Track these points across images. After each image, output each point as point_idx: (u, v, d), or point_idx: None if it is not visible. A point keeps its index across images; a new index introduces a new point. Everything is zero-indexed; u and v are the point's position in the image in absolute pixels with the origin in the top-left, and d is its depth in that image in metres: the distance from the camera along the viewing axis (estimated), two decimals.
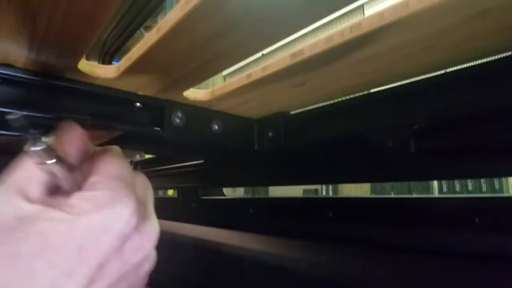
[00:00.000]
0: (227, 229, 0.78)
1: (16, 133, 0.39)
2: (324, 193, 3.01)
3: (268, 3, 0.25)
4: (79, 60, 0.33)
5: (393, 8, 0.26)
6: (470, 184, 2.05)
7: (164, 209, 1.14)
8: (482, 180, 2.02)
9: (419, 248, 0.42)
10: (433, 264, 0.41)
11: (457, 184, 2.09)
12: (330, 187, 3.00)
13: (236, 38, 0.29)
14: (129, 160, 1.09)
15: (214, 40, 0.29)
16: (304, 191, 2.78)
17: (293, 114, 0.51)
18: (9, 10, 0.25)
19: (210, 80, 0.54)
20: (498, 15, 0.26)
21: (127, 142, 0.50)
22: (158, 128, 0.43)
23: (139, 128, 0.42)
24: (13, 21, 0.26)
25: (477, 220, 0.42)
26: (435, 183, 2.13)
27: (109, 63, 1.59)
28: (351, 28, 0.27)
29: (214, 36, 0.28)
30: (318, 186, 3.01)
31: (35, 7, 0.24)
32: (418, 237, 0.45)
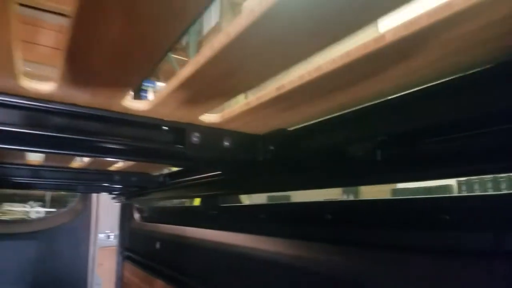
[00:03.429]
0: (242, 233, 0.89)
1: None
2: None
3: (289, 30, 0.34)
4: (123, 99, 0.46)
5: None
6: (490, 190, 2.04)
7: (189, 217, 1.27)
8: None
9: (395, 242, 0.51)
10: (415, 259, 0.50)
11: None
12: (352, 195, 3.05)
13: (244, 75, 0.40)
14: (159, 173, 1.22)
15: (227, 77, 0.40)
16: None
17: (290, 130, 0.61)
18: (86, 72, 0.38)
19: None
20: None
21: (157, 158, 0.62)
22: (181, 146, 0.55)
23: (166, 146, 0.55)
24: (83, 78, 0.39)
25: (447, 217, 0.51)
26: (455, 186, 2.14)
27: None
28: (309, 72, 0.38)
29: (226, 75, 0.40)
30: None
31: (96, 69, 0.37)
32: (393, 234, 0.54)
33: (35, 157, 0.99)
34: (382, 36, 0.34)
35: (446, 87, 0.42)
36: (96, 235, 1.91)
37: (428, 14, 0.30)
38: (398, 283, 0.51)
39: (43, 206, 6.39)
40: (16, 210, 5.57)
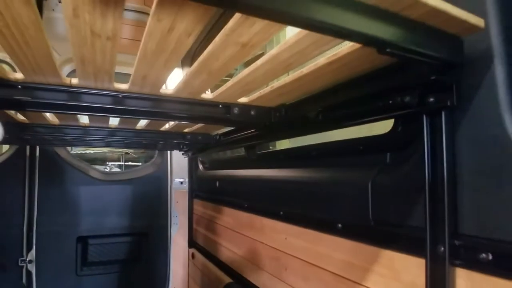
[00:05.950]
0: (269, 168, 1.42)
1: None
2: None
3: None
4: (202, 94, 0.99)
5: None
6: None
7: (237, 163, 1.83)
8: None
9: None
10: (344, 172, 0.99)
11: None
12: None
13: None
14: (216, 133, 1.78)
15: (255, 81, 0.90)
16: None
17: (287, 104, 1.10)
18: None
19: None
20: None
21: (215, 122, 1.16)
22: (228, 115, 1.07)
23: (220, 115, 1.07)
24: (188, 90, 0.92)
25: (361, 148, 0.98)
26: None
27: None
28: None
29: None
30: None
31: (196, 88, 0.89)
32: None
33: (142, 124, 1.59)
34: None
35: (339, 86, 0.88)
36: (172, 182, 2.59)
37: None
38: (340, 181, 1.00)
39: (120, 167, 7.56)
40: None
